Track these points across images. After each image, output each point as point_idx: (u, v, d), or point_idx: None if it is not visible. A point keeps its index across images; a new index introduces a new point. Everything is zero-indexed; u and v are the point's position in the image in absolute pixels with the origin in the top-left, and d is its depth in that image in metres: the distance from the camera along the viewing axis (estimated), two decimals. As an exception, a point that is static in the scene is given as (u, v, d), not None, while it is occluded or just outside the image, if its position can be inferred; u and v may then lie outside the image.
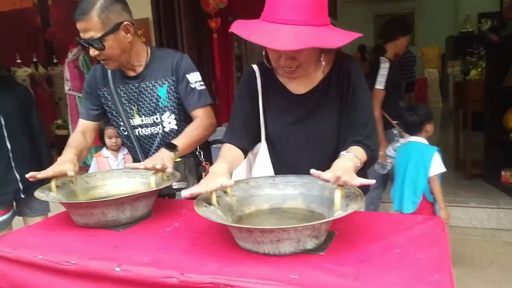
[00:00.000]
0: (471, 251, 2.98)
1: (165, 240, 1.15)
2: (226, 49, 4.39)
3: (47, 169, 1.39)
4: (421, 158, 2.47)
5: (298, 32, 1.08)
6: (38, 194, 1.33)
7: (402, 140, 2.82)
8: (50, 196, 1.35)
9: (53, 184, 1.38)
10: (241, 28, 1.14)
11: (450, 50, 9.03)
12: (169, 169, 1.37)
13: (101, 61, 1.59)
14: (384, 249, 0.99)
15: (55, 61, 7.37)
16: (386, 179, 3.06)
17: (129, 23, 1.54)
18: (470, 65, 5.27)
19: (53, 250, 1.13)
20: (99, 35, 1.47)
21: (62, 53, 7.16)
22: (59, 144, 6.68)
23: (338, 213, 1.00)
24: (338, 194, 1.02)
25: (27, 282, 1.13)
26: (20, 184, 2.21)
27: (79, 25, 1.48)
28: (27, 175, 1.36)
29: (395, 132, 2.97)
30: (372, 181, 1.01)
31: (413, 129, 2.55)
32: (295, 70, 1.24)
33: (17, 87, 2.28)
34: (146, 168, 1.33)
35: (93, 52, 1.51)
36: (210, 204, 1.09)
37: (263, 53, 1.35)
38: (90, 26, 1.46)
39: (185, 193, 1.05)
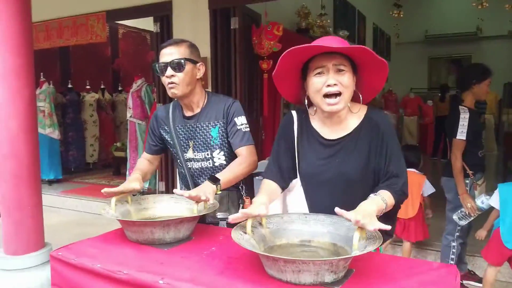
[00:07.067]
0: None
1: (203, 261, 1.31)
2: (275, 88, 4.59)
3: (120, 185, 1.65)
4: None
5: (345, 44, 1.36)
6: (100, 210, 1.57)
7: (483, 194, 2.78)
8: (109, 213, 1.57)
9: (113, 202, 1.59)
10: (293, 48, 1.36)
11: (507, 96, 8.76)
12: (211, 201, 1.53)
13: (169, 85, 1.79)
14: (396, 290, 1.09)
15: (120, 88, 7.99)
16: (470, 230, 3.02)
17: (202, 64, 1.87)
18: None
19: (109, 260, 1.33)
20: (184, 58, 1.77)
21: (126, 82, 7.80)
22: (116, 164, 7.15)
23: (355, 252, 1.12)
24: (357, 235, 1.13)
25: (86, 286, 1.33)
26: None
27: (167, 50, 1.77)
28: (102, 190, 1.60)
29: (467, 181, 2.85)
30: (387, 227, 1.11)
31: None
32: (338, 101, 1.38)
33: None
34: (190, 197, 1.50)
35: (170, 72, 1.76)
36: (245, 233, 1.25)
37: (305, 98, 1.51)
38: (179, 51, 1.77)
39: (230, 218, 1.23)
